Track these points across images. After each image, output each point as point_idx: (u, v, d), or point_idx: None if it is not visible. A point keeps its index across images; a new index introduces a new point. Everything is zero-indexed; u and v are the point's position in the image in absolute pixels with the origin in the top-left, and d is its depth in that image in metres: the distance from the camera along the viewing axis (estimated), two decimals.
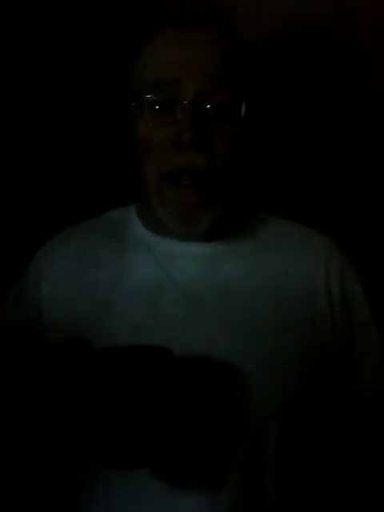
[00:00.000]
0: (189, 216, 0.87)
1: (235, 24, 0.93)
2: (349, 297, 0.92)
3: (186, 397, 0.79)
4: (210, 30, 0.89)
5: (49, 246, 0.98)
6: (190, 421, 0.81)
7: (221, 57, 0.87)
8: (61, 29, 1.18)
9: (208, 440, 0.82)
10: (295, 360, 0.86)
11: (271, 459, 0.83)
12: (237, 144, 0.87)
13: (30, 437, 0.82)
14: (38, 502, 0.87)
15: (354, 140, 1.16)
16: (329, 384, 0.89)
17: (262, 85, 0.94)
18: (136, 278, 0.90)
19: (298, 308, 0.89)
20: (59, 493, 0.86)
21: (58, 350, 0.74)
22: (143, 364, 0.70)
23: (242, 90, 0.87)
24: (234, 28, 0.92)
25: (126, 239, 0.94)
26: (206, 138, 0.85)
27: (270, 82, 1.08)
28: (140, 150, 0.89)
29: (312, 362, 0.87)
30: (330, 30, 1.12)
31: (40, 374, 0.74)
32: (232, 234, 0.93)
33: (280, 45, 1.13)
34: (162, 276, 0.89)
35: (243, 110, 0.86)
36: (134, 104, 0.89)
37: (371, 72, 1.15)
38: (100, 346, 0.74)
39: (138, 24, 1.16)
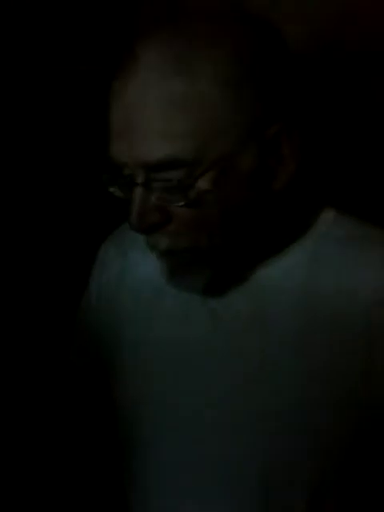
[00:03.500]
0: (176, 277, 0.75)
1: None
2: None
3: None
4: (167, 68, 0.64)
5: (103, 247, 0.95)
6: None
7: (184, 116, 0.64)
8: (61, 28, 1.18)
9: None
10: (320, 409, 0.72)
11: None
12: (201, 218, 0.69)
13: None
14: None
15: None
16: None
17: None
18: (140, 276, 0.86)
19: (326, 343, 0.72)
20: None
21: None
22: None
23: (208, 158, 0.65)
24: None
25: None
26: (165, 217, 0.69)
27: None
28: None
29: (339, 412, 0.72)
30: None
31: None
32: None
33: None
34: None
35: (196, 190, 0.66)
36: None
37: None
38: None
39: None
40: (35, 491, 0.97)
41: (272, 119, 0.68)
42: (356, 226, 0.78)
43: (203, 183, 0.66)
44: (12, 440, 1.02)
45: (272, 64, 0.68)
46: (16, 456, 1.01)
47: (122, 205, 1.01)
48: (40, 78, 1.19)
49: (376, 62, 1.09)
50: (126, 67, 0.66)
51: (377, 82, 1.11)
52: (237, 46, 0.66)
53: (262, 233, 0.74)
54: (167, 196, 0.68)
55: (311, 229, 0.77)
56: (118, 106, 0.67)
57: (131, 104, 0.65)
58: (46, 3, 1.17)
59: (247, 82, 0.66)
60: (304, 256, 0.75)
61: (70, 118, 1.22)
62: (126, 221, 0.76)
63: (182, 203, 0.67)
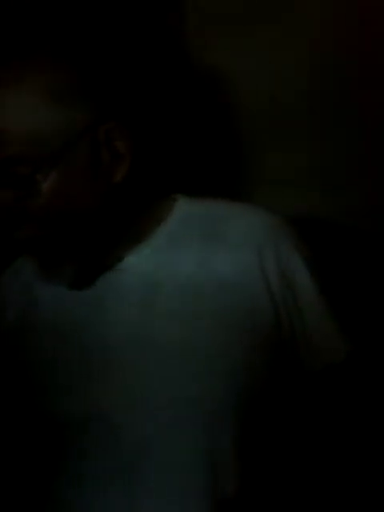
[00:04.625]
0: (45, 270, 0.89)
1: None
2: (289, 278, 0.87)
3: None
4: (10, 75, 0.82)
5: None
6: None
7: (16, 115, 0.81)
8: (59, 27, 1.17)
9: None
10: (239, 358, 0.84)
11: (231, 446, 0.83)
12: (51, 210, 0.82)
13: None
14: None
15: None
16: (282, 367, 0.87)
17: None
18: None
19: (234, 303, 0.85)
20: None
21: None
22: None
23: (46, 154, 0.80)
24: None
25: None
26: (22, 210, 0.81)
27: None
28: None
29: (259, 355, 0.85)
30: None
31: None
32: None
33: None
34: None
35: (36, 183, 0.80)
36: None
37: None
38: None
39: (138, 24, 1.16)
40: None
41: (102, 121, 0.82)
42: (211, 205, 0.92)
43: (41, 177, 0.79)
44: None
45: (98, 79, 0.84)
46: None
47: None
48: None
49: None
50: None
51: None
52: (67, 69, 0.83)
53: (117, 222, 0.86)
54: (18, 192, 0.80)
55: (169, 215, 0.90)
56: None
57: None
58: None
59: (76, 94, 0.82)
60: (164, 240, 0.88)
61: None
62: None
63: (28, 196, 0.80)
